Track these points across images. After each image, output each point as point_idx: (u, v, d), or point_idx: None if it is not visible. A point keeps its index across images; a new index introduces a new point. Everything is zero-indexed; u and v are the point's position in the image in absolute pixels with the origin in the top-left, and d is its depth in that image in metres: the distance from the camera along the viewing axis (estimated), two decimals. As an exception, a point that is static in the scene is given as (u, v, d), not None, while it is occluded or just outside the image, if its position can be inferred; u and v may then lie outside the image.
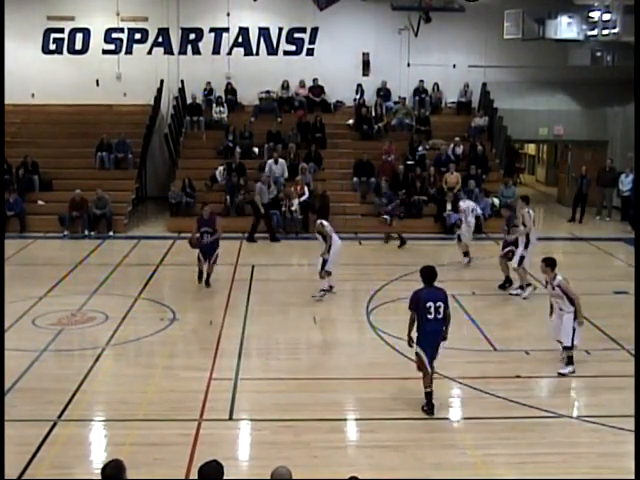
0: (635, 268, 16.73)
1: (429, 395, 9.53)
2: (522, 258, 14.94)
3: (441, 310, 9.34)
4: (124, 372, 11.15)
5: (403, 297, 14.87)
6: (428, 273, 9.57)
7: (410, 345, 9.53)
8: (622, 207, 23.96)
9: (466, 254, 17.64)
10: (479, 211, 18.63)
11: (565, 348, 10.90)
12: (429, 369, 9.49)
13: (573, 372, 10.88)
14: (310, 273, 16.79)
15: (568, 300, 10.74)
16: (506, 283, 15.50)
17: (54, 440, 8.79)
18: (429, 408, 9.51)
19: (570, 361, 10.95)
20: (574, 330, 10.73)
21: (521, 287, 15.14)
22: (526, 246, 15.01)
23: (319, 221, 15.55)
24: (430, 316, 9.30)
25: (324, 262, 14.67)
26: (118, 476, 5.71)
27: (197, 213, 21.99)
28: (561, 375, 10.81)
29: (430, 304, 9.30)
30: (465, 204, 18.11)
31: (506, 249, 15.41)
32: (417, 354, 9.52)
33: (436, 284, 9.66)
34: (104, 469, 5.75)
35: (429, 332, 9.38)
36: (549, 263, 10.99)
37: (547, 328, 11.40)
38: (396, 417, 9.52)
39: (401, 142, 24.29)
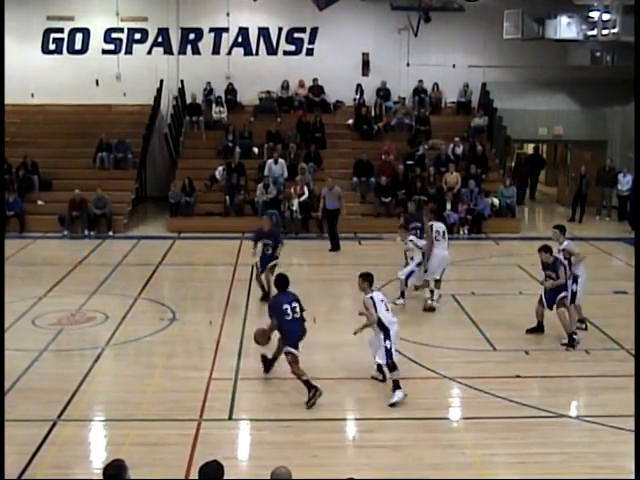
0: (635, 268, 16.73)
1: (308, 382, 9.82)
2: (574, 294, 12.37)
3: (297, 309, 10.05)
4: (124, 372, 11.14)
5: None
6: (281, 281, 10.41)
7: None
8: (619, 206, 23.98)
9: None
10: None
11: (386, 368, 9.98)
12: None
13: (405, 396, 9.71)
14: (310, 273, 16.81)
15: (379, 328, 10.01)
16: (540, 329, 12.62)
17: (54, 440, 8.79)
18: (312, 395, 9.78)
19: (397, 385, 9.75)
20: (387, 349, 9.84)
21: (575, 332, 12.29)
22: (575, 280, 12.34)
23: (431, 223, 14.30)
24: (288, 317, 9.98)
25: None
26: (120, 476, 5.72)
27: (197, 213, 22.24)
28: (392, 405, 9.67)
29: (286, 306, 10.01)
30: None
31: (560, 295, 12.00)
32: (289, 353, 9.95)
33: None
34: (106, 469, 5.76)
35: (294, 331, 10.03)
36: (367, 278, 10.35)
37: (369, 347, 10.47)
38: (396, 417, 9.52)
39: (401, 142, 24.30)
